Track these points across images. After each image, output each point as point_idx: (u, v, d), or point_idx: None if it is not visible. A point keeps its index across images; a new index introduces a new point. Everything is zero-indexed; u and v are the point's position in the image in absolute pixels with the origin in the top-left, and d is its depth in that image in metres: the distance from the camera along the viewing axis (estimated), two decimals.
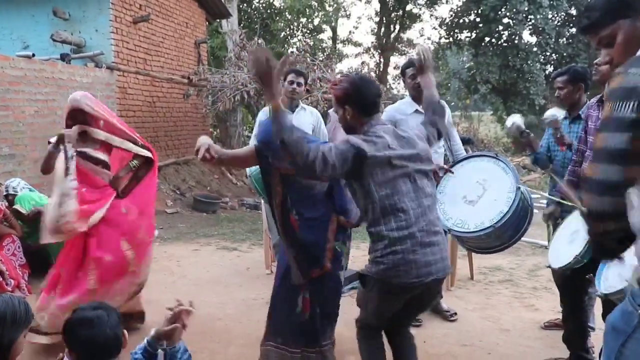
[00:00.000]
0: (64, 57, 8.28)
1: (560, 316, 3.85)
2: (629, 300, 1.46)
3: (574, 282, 3.09)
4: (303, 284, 2.89)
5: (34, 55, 7.54)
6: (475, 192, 3.41)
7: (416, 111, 4.00)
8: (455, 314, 4.20)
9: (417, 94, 3.98)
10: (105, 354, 1.84)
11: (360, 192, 2.44)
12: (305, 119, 4.35)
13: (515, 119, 3.69)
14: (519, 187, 3.19)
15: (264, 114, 4.37)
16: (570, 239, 2.80)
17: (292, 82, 4.21)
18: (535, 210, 3.36)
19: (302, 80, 4.30)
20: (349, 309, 4.37)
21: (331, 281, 2.95)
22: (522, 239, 3.50)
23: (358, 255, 6.17)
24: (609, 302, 2.40)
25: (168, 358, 1.98)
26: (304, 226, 2.88)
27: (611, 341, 1.50)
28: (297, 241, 2.89)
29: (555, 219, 3.31)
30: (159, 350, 1.95)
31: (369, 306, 2.60)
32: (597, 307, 3.33)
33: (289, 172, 2.72)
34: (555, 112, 3.41)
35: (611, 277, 2.28)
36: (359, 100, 2.50)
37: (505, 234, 3.21)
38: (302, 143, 2.27)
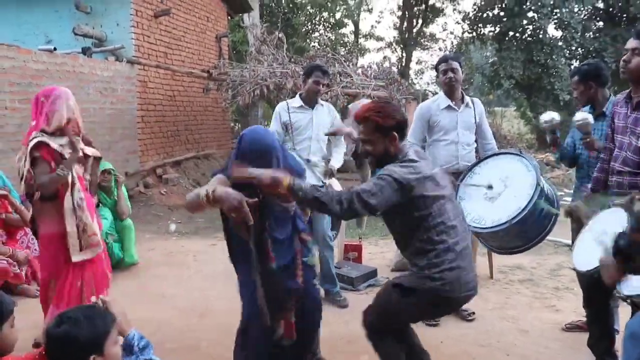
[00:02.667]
0: (85, 51, 8.33)
1: (582, 318, 3.76)
2: None
3: (600, 286, 2.98)
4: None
5: (55, 49, 7.61)
6: (497, 189, 3.36)
7: (448, 107, 4.07)
8: (474, 313, 4.12)
9: (449, 90, 4.01)
10: None
11: (403, 219, 2.50)
12: (324, 115, 4.37)
13: (554, 115, 3.61)
14: (539, 184, 3.11)
15: (281, 107, 4.35)
16: (599, 241, 2.70)
17: (317, 82, 4.25)
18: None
19: (326, 80, 4.40)
20: (364, 306, 4.32)
21: (310, 301, 2.75)
22: None
23: (375, 252, 6.12)
24: (636, 305, 2.30)
25: (127, 351, 1.94)
26: (277, 251, 2.62)
27: (630, 348, 1.43)
28: (273, 275, 2.59)
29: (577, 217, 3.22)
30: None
31: (402, 315, 2.62)
32: (621, 309, 3.23)
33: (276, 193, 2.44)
34: (586, 116, 3.28)
35: (634, 277, 2.18)
36: (402, 123, 2.57)
37: (525, 234, 3.13)
38: (333, 195, 2.34)
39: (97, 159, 3.55)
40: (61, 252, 3.21)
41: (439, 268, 2.42)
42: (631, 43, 2.74)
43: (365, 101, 4.02)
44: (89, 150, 3.43)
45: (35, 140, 3.08)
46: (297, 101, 4.36)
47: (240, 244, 2.61)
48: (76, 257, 3.22)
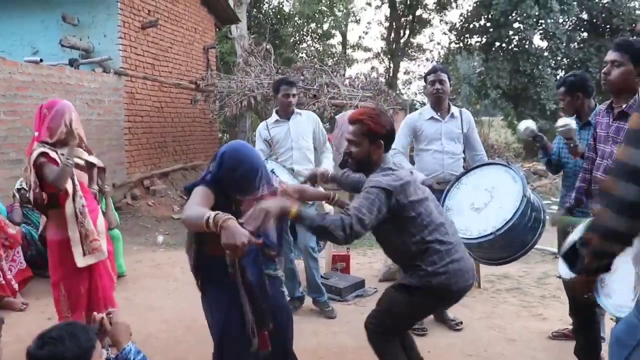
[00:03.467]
0: (72, 63, 8.30)
1: (568, 326, 3.78)
2: (633, 312, 1.40)
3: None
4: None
5: (41, 60, 7.57)
6: (483, 199, 3.38)
7: (432, 118, 4.14)
8: (461, 322, 4.13)
9: (436, 101, 4.06)
10: None
11: (395, 226, 2.55)
12: (302, 124, 4.45)
13: (529, 124, 3.72)
14: (525, 195, 3.13)
15: (261, 127, 4.46)
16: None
17: (287, 95, 4.37)
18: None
19: (295, 90, 4.47)
20: (352, 317, 4.34)
21: (280, 314, 2.65)
22: None
23: (363, 262, 6.13)
24: None
25: None
26: (249, 267, 2.51)
27: (616, 354, 1.44)
28: (252, 291, 2.50)
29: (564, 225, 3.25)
30: None
31: (408, 313, 2.71)
32: (607, 316, 3.25)
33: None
34: (569, 122, 3.34)
35: (616, 295, 2.16)
36: (391, 135, 2.68)
37: (510, 245, 3.14)
38: (335, 221, 2.35)
39: (102, 169, 3.66)
40: (68, 258, 3.31)
41: (442, 263, 2.52)
42: (610, 55, 2.78)
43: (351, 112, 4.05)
44: (94, 160, 3.56)
45: (37, 152, 3.22)
46: (274, 117, 4.50)
47: (210, 260, 2.48)
48: (81, 263, 3.32)
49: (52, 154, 3.24)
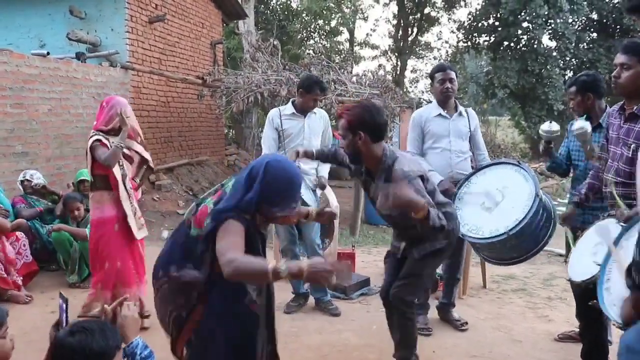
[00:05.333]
0: (79, 56, 8.29)
1: (574, 328, 3.74)
2: None
3: (594, 297, 2.97)
4: None
5: (48, 53, 7.56)
6: (494, 199, 3.35)
7: (439, 115, 4.08)
8: (466, 323, 4.10)
9: (444, 99, 4.01)
10: None
11: None
12: (316, 122, 4.37)
13: (555, 127, 3.54)
14: (538, 195, 3.09)
15: (274, 114, 4.34)
16: (593, 251, 2.68)
17: (315, 100, 4.33)
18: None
19: (323, 96, 4.65)
20: (357, 315, 4.32)
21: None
22: None
23: (369, 260, 6.10)
24: None
25: (129, 358, 1.91)
26: None
27: None
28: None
29: (577, 222, 3.21)
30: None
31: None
32: None
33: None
34: (584, 124, 3.24)
35: (619, 302, 2.10)
36: (372, 126, 2.79)
37: (521, 245, 3.11)
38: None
39: (150, 168, 4.17)
40: (116, 234, 3.86)
41: (451, 223, 2.88)
42: (619, 58, 2.73)
43: None
44: (146, 155, 4.07)
45: (93, 139, 3.79)
46: (289, 108, 4.35)
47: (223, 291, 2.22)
48: (139, 235, 3.95)
49: (105, 141, 3.77)
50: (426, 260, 2.99)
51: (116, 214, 3.84)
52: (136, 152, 4.00)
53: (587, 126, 3.23)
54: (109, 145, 3.75)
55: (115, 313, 1.99)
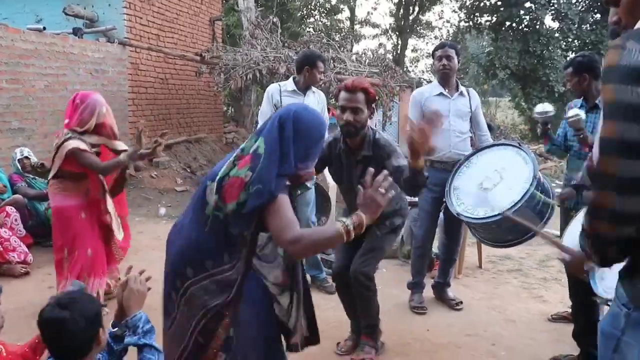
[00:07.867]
0: (76, 32, 8.21)
1: (568, 309, 3.76)
2: (615, 301, 1.33)
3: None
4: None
5: (45, 28, 7.48)
6: (492, 180, 3.33)
7: (440, 94, 4.04)
8: (461, 302, 4.12)
9: (443, 77, 3.99)
10: (74, 354, 1.75)
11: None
12: (314, 102, 4.32)
13: (548, 108, 3.64)
14: (535, 177, 3.07)
15: (274, 89, 4.30)
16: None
17: (321, 72, 4.33)
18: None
19: (325, 68, 4.60)
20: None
21: None
22: None
23: None
24: None
25: (130, 330, 1.92)
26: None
27: (602, 348, 1.37)
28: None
29: (571, 203, 3.22)
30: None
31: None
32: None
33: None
34: (578, 112, 3.29)
35: (609, 277, 2.10)
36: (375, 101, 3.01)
37: (517, 227, 3.09)
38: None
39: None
40: (83, 221, 3.65)
41: (400, 202, 3.21)
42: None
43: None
44: (123, 147, 3.84)
45: (73, 145, 3.49)
46: (290, 85, 4.31)
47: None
48: (119, 235, 3.90)
49: (84, 146, 3.52)
50: (388, 236, 3.23)
51: (81, 202, 3.62)
52: (120, 150, 3.73)
53: (581, 114, 3.25)
54: (89, 150, 3.53)
55: (125, 284, 2.00)
